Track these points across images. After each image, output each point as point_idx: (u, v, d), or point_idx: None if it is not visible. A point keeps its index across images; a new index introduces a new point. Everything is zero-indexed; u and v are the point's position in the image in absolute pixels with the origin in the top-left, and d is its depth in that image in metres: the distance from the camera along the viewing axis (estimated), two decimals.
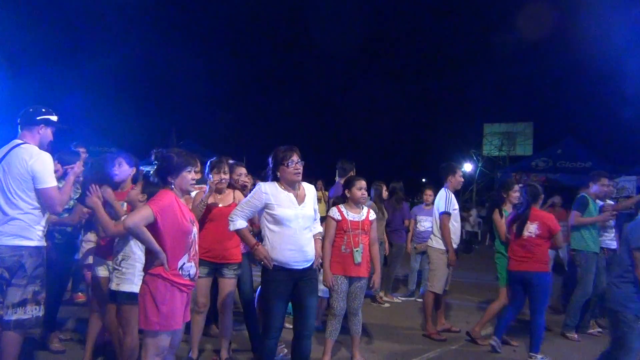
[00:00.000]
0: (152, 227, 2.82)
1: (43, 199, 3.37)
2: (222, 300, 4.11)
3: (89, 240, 4.23)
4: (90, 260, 4.07)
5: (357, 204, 4.31)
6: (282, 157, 3.42)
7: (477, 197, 20.59)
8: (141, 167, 4.31)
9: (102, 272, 3.77)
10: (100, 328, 3.94)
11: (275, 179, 3.49)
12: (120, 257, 3.46)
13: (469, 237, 16.57)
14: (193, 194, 3.95)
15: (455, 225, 5.35)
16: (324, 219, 4.26)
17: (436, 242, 5.37)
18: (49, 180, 3.37)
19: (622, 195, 12.23)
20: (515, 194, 5.35)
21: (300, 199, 3.49)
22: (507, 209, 5.34)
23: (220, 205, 4.06)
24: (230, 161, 4.34)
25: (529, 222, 4.74)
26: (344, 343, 4.71)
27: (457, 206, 5.41)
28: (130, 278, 3.40)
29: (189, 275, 2.95)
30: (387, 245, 6.98)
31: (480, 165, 20.78)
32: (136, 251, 3.43)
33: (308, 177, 3.94)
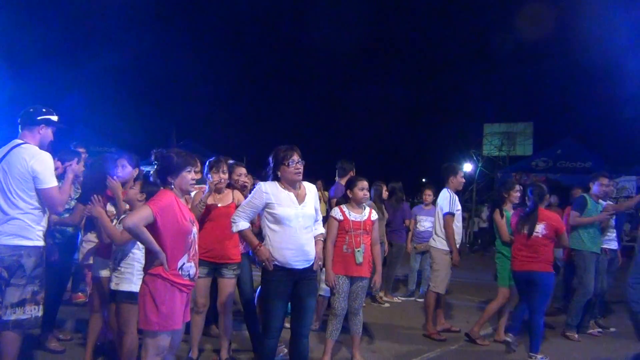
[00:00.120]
0: (152, 227, 2.82)
1: (44, 199, 3.37)
2: (221, 301, 4.11)
3: (89, 240, 4.22)
4: (90, 260, 4.07)
5: (359, 204, 4.31)
6: (283, 156, 3.42)
7: (477, 197, 20.57)
8: (141, 167, 4.31)
9: (103, 272, 3.77)
10: (101, 328, 3.94)
11: (276, 178, 3.49)
12: (119, 257, 3.47)
13: (483, 233, 16.59)
14: (192, 194, 3.95)
15: (457, 226, 5.34)
16: (325, 219, 4.26)
17: (439, 243, 5.35)
18: (50, 180, 3.37)
19: (622, 196, 12.27)
20: (516, 194, 5.35)
21: (301, 199, 3.49)
22: (508, 209, 5.34)
23: (219, 205, 4.06)
24: (230, 161, 4.34)
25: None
26: (345, 343, 4.71)
27: (459, 207, 5.41)
28: (130, 277, 3.41)
29: (188, 275, 2.95)
30: (386, 245, 6.98)
31: (480, 165, 20.76)
32: (135, 251, 3.43)
33: (310, 176, 3.94)
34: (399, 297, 7.40)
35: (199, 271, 3.13)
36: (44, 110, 3.54)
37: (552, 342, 5.27)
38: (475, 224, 17.48)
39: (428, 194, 7.33)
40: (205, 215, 3.97)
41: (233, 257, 4.09)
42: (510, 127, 20.38)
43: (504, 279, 5.17)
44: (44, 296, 3.43)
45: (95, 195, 3.52)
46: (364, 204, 4.37)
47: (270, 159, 3.51)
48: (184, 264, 2.92)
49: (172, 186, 2.98)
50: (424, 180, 24.12)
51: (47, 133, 3.55)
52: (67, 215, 4.18)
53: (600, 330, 5.85)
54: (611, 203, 5.92)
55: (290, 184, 3.47)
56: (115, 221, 3.58)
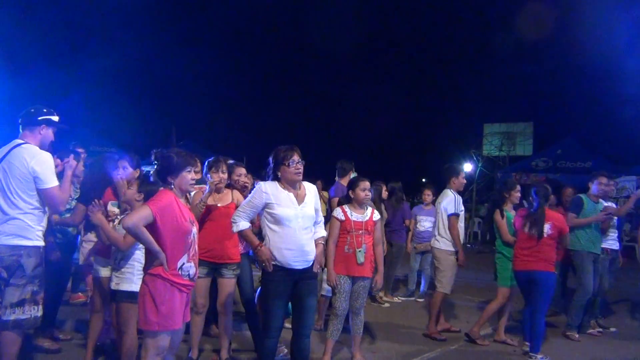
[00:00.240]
0: (152, 227, 2.82)
1: (46, 199, 3.37)
2: (221, 301, 4.11)
3: (90, 240, 4.22)
4: (91, 260, 4.07)
5: (361, 204, 4.32)
6: (283, 156, 3.43)
7: (477, 197, 20.54)
8: (142, 168, 4.31)
9: (103, 272, 3.77)
10: (101, 328, 3.94)
11: (276, 178, 3.49)
12: (119, 257, 3.47)
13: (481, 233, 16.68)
14: (192, 193, 3.95)
15: (461, 226, 5.33)
16: (325, 219, 4.26)
17: (443, 244, 5.32)
18: (51, 180, 3.37)
19: (622, 196, 12.26)
20: (517, 194, 5.34)
21: (301, 199, 3.49)
22: (508, 209, 5.34)
23: (219, 205, 4.06)
24: (230, 161, 4.33)
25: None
26: (345, 343, 4.71)
27: (462, 207, 5.41)
28: (130, 277, 3.42)
29: (188, 275, 2.95)
30: (386, 245, 6.97)
31: (480, 165, 20.72)
32: (135, 251, 3.43)
33: (310, 176, 3.94)
34: (399, 297, 7.40)
35: (198, 271, 3.14)
36: (45, 110, 3.54)
37: (552, 342, 5.27)
38: (475, 224, 17.50)
39: (428, 194, 7.33)
40: (205, 215, 3.97)
41: (233, 257, 4.09)
42: (510, 127, 20.33)
43: (504, 279, 5.16)
44: (43, 296, 3.43)
45: (95, 200, 3.51)
46: (365, 204, 4.37)
47: (270, 159, 3.51)
48: (183, 264, 2.92)
49: (172, 186, 2.98)
50: (423, 180, 24.15)
51: (48, 133, 3.55)
52: (68, 215, 4.18)
53: (600, 330, 5.84)
54: (612, 205, 5.88)
55: (290, 184, 3.47)
56: (116, 221, 3.57)
